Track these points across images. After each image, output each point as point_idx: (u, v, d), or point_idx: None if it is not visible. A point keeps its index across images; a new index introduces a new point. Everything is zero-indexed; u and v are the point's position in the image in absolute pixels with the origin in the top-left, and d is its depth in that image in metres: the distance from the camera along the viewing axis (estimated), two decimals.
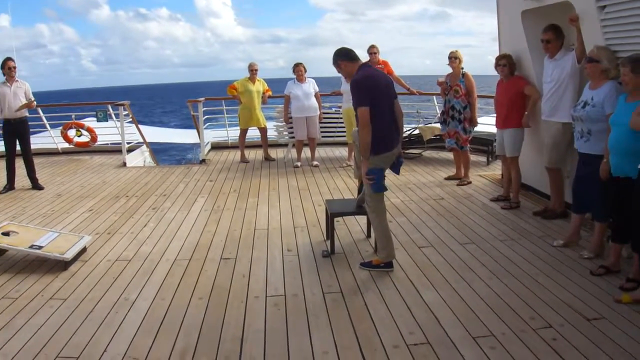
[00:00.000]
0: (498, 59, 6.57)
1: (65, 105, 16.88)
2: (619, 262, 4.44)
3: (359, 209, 5.16)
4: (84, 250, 5.21)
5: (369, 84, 4.41)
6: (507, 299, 4.04)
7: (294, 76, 9.41)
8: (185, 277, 4.63)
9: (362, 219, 5.72)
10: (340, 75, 7.99)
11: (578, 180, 4.93)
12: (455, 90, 7.60)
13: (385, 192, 4.71)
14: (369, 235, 5.52)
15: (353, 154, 5.71)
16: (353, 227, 5.83)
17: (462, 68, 7.65)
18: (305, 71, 9.40)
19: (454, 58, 7.61)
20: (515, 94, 6.40)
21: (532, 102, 6.28)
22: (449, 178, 8.06)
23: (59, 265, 4.84)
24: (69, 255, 4.87)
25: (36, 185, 8.18)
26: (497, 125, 6.74)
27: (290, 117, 9.62)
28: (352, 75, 4.58)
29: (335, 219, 5.29)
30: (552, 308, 3.86)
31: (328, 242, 5.28)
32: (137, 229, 6.02)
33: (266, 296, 4.20)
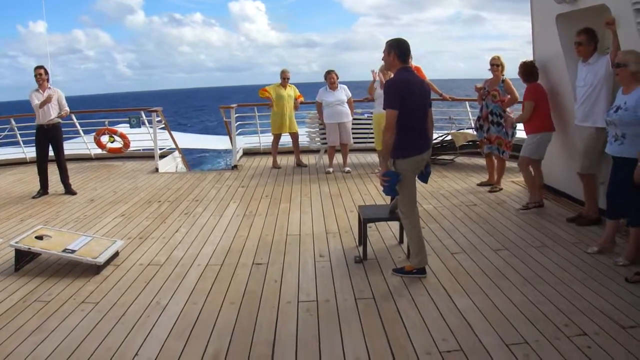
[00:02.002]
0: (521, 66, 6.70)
1: (99, 111, 17.34)
2: None
3: (392, 215, 5.18)
4: (116, 254, 5.34)
5: (402, 87, 4.43)
6: (540, 306, 4.01)
7: (326, 83, 9.46)
8: (217, 281, 4.70)
9: (395, 225, 5.75)
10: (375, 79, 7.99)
11: (612, 185, 4.87)
12: (493, 95, 7.54)
13: (417, 199, 4.74)
14: (401, 241, 5.54)
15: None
16: (385, 232, 5.85)
17: (503, 75, 7.59)
18: (337, 78, 9.46)
19: (496, 66, 7.53)
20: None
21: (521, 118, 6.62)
22: (481, 184, 8.02)
23: (91, 269, 4.95)
24: (102, 259, 4.99)
25: (69, 191, 8.39)
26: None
27: (322, 123, 9.68)
28: (390, 68, 4.64)
29: (368, 225, 5.32)
30: (586, 315, 3.83)
31: (360, 248, 5.31)
32: (169, 234, 6.12)
33: (298, 301, 4.25)
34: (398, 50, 4.55)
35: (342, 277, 4.71)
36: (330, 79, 9.37)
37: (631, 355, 3.29)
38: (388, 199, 7.18)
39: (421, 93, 4.58)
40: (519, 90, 7.37)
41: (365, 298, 4.28)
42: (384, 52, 4.64)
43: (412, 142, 4.50)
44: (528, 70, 6.63)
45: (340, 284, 4.55)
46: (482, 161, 8.85)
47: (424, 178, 4.77)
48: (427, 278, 4.62)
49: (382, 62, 8.30)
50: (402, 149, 4.47)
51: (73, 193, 8.34)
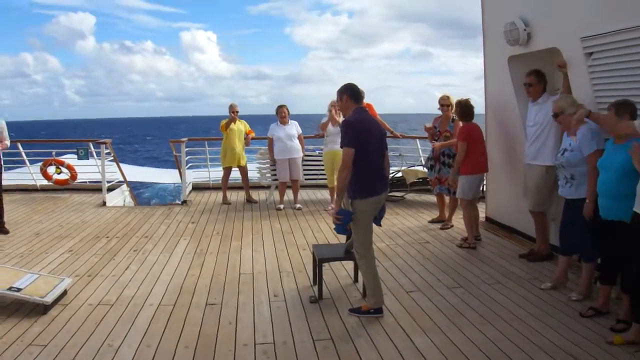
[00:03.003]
0: (455, 105, 6.92)
1: (46, 141, 16.66)
2: (608, 304, 4.47)
3: (348, 255, 5.10)
4: (64, 293, 5.03)
5: (358, 126, 4.42)
6: (499, 344, 3.99)
7: (277, 117, 9.40)
8: (171, 323, 4.48)
9: (348, 264, 5.68)
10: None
11: (565, 224, 4.97)
12: (446, 137, 7.56)
13: (373, 238, 4.69)
14: (356, 280, 5.45)
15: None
16: (340, 271, 5.75)
17: (454, 114, 7.56)
18: (289, 113, 9.41)
19: (446, 106, 7.55)
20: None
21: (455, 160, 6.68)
22: (432, 221, 8.03)
23: (38, 309, 4.65)
24: (49, 298, 4.70)
25: (2, 230, 7.60)
26: None
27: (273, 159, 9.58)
28: (346, 112, 4.60)
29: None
30: (545, 352, 3.85)
31: (315, 288, 5.20)
32: (119, 272, 5.85)
33: (255, 344, 4.08)
34: (349, 92, 4.59)
35: (298, 318, 4.56)
36: (281, 113, 9.32)
37: None
38: (342, 237, 7.12)
39: (378, 134, 4.60)
40: None
41: (323, 339, 4.15)
42: (337, 100, 4.69)
43: (371, 183, 4.46)
44: (464, 110, 6.72)
45: (297, 325, 4.41)
46: (432, 198, 8.94)
47: (377, 221, 4.72)
48: (384, 318, 4.53)
49: (334, 99, 8.33)
50: (361, 189, 4.43)
51: (5, 232, 7.60)
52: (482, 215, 8.17)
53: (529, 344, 3.98)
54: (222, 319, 4.57)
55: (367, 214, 4.50)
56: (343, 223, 4.44)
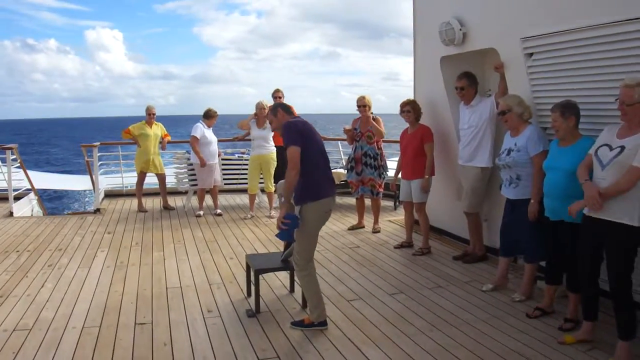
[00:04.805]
0: (402, 105, 6.55)
1: None
2: (553, 303, 4.50)
3: (285, 265, 4.81)
4: None
5: (300, 127, 4.19)
6: (453, 351, 3.88)
7: (202, 120, 8.82)
8: (99, 347, 3.99)
9: (281, 273, 5.40)
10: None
11: (507, 225, 4.95)
12: (368, 137, 7.40)
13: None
14: (292, 290, 5.18)
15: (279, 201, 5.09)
16: (273, 282, 5.44)
17: (372, 113, 7.48)
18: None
19: (363, 106, 7.36)
20: (420, 145, 6.41)
21: (427, 162, 6.36)
22: (352, 228, 7.80)
23: None
24: None
25: None
26: (404, 176, 6.62)
27: (191, 164, 9.09)
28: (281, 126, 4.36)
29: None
30: (499, 355, 3.79)
31: (250, 300, 4.87)
32: (34, 291, 5.25)
33: None
34: (281, 107, 4.45)
35: (238, 336, 4.20)
36: (214, 120, 8.92)
37: None
38: (266, 244, 6.82)
39: (319, 136, 4.44)
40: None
41: (269, 358, 3.83)
42: (271, 117, 4.49)
43: (319, 184, 4.20)
44: (420, 110, 6.56)
45: (238, 344, 4.05)
46: (352, 200, 8.78)
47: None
48: (329, 330, 4.28)
49: (262, 100, 7.98)
50: (309, 192, 4.14)
51: None
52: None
53: (481, 349, 3.90)
54: (155, 340, 4.13)
55: (315, 222, 4.23)
56: (290, 229, 4.13)
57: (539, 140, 4.58)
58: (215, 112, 8.96)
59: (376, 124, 7.35)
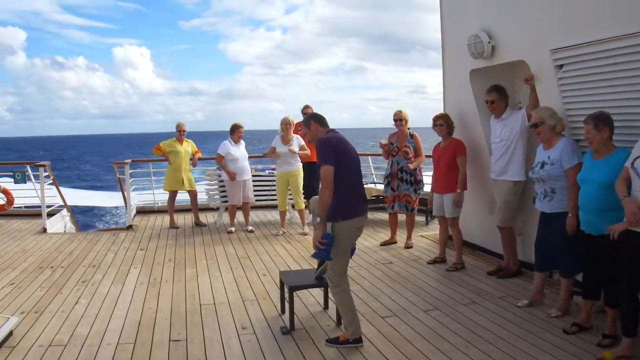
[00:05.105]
0: (435, 118, 6.53)
1: None
2: (590, 319, 4.41)
3: (319, 281, 4.82)
4: (10, 334, 4.50)
5: (334, 143, 4.19)
6: None
7: (229, 137, 8.92)
8: None
9: (314, 290, 5.39)
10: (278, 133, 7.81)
11: (542, 239, 4.88)
12: (405, 152, 7.35)
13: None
14: (326, 307, 5.18)
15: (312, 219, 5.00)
16: (307, 298, 5.44)
17: (409, 128, 7.46)
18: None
19: (399, 120, 7.37)
20: (452, 159, 6.37)
21: (460, 176, 6.31)
22: (384, 244, 7.75)
23: None
24: None
25: None
26: (437, 189, 6.59)
27: (222, 180, 9.19)
28: (316, 138, 4.35)
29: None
30: None
31: (284, 317, 4.89)
32: (69, 307, 5.34)
33: None
34: (314, 119, 4.44)
35: (273, 353, 4.22)
36: (239, 133, 8.91)
37: None
38: (303, 261, 6.83)
39: (356, 153, 4.40)
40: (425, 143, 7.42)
41: None
42: (304, 130, 4.52)
43: (351, 203, 4.20)
44: (452, 124, 6.53)
45: None
46: (386, 216, 8.75)
47: (351, 251, 4.47)
48: (364, 347, 4.26)
49: (287, 116, 8.02)
50: (341, 210, 4.14)
51: None
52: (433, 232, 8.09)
53: None
54: (190, 357, 4.17)
55: (347, 239, 4.24)
56: (327, 248, 4.15)
57: (573, 153, 4.52)
58: (239, 125, 8.96)
59: (417, 153, 7.36)
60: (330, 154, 4.11)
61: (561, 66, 4.85)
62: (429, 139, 7.50)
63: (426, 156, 7.53)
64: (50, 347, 4.36)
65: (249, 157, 9.39)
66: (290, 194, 8.76)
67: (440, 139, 6.61)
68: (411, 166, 7.33)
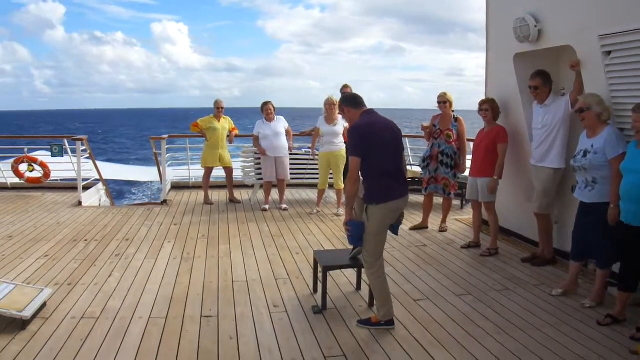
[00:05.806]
0: (481, 103, 6.45)
1: (18, 137, 15.99)
2: (625, 311, 4.34)
3: (354, 262, 4.85)
4: (43, 305, 4.61)
5: (364, 131, 4.16)
6: (521, 355, 3.84)
7: (262, 114, 9.02)
8: (165, 339, 4.12)
9: (347, 270, 5.42)
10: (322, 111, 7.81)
11: (579, 228, 4.81)
12: (447, 135, 7.27)
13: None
14: (358, 288, 5.21)
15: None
16: (340, 278, 5.48)
17: (454, 111, 7.36)
18: (274, 109, 9.02)
19: (443, 103, 7.29)
20: (491, 144, 6.29)
21: (498, 163, 6.22)
22: (414, 228, 7.66)
23: (16, 324, 4.23)
24: (28, 312, 4.28)
25: None
26: (472, 172, 6.54)
27: (258, 157, 9.26)
28: (353, 121, 4.34)
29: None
30: None
31: (317, 296, 4.94)
32: (102, 280, 5.45)
33: None
34: (347, 103, 4.41)
35: (304, 332, 4.27)
36: (267, 110, 8.89)
37: None
38: (337, 241, 6.87)
39: (393, 136, 4.30)
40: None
41: (335, 356, 3.88)
42: (342, 115, 4.52)
43: (385, 187, 4.18)
44: (498, 110, 6.44)
45: (304, 340, 4.12)
46: (421, 198, 8.71)
47: (395, 229, 4.49)
48: (395, 329, 4.30)
49: (330, 96, 7.98)
50: (375, 194, 4.16)
51: None
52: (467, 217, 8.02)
53: (549, 354, 3.84)
54: (221, 333, 4.25)
55: (381, 222, 4.24)
56: (355, 234, 4.19)
57: (618, 142, 4.41)
58: (265, 102, 8.99)
59: (460, 137, 7.29)
60: (357, 144, 4.12)
61: (609, 53, 4.71)
62: (465, 121, 7.41)
63: (468, 139, 7.45)
64: (82, 319, 4.46)
65: (294, 136, 9.41)
66: (331, 173, 8.76)
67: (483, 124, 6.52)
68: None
